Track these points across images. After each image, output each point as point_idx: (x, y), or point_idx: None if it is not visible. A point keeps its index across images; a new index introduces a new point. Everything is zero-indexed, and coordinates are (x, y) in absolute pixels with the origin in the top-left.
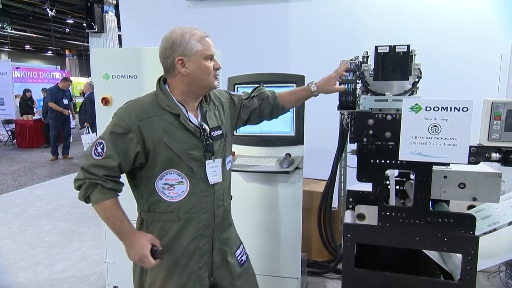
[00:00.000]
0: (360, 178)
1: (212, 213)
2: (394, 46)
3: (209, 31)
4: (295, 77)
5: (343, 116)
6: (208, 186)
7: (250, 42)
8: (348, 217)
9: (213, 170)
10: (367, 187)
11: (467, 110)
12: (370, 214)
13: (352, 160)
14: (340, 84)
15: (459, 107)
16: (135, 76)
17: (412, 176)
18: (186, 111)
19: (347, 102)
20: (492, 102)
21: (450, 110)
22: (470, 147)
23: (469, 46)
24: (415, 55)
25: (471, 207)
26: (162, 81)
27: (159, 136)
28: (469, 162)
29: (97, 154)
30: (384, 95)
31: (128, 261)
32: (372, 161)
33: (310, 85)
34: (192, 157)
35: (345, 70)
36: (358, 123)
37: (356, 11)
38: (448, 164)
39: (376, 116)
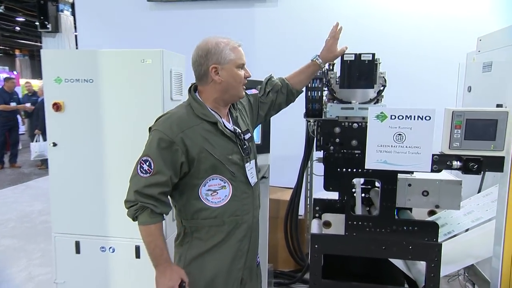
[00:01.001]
0: (327, 187)
1: (252, 214)
2: (360, 55)
3: (171, 35)
4: (259, 83)
5: (309, 123)
6: (248, 188)
7: None
8: (315, 226)
9: (251, 172)
10: (334, 195)
11: (429, 119)
12: (336, 222)
13: (318, 168)
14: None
15: (422, 116)
16: (91, 80)
17: (377, 184)
18: (220, 117)
19: (313, 110)
20: (452, 111)
21: (414, 119)
22: (433, 155)
23: (431, 56)
24: (379, 63)
25: (431, 213)
26: (192, 90)
27: (201, 145)
28: (432, 170)
29: (144, 172)
30: (350, 103)
31: (80, 282)
32: (339, 169)
33: (315, 60)
34: (232, 161)
35: (335, 34)
36: (325, 131)
37: (322, 17)
38: (412, 172)
39: (343, 124)
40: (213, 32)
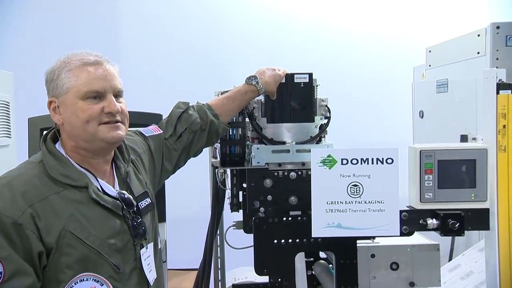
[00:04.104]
0: (260, 269)
1: None
2: (292, 75)
3: None
4: (147, 116)
5: (217, 170)
6: None
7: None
8: None
9: (148, 263)
10: (255, 275)
11: (392, 162)
12: None
13: (234, 236)
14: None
15: (383, 158)
16: None
17: (322, 255)
18: (96, 178)
19: (232, 155)
20: (420, 151)
21: (372, 163)
22: (401, 212)
23: (377, 74)
24: (317, 85)
25: None
26: (49, 138)
27: (63, 225)
28: (402, 234)
29: None
30: (284, 143)
31: None
32: (275, 242)
33: (253, 84)
34: (115, 248)
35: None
36: (251, 186)
37: (218, 14)
38: (373, 238)
39: (276, 174)
40: (54, 35)
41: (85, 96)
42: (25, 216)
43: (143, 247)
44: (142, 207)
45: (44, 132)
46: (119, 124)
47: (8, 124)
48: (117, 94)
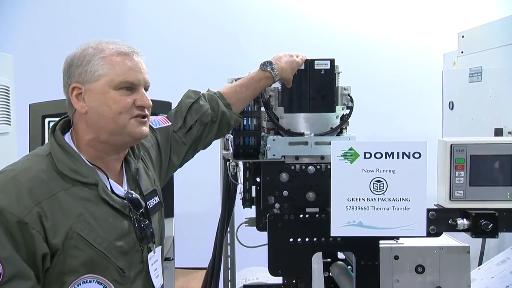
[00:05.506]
0: (274, 270)
1: None
2: (312, 61)
3: None
4: (155, 104)
5: (228, 163)
6: None
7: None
8: None
9: (155, 268)
10: (267, 275)
11: (419, 156)
12: None
13: (246, 234)
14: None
15: (409, 153)
16: None
17: (340, 255)
18: (107, 177)
19: (246, 147)
20: (451, 145)
21: (398, 157)
22: (428, 210)
23: (403, 61)
24: (338, 73)
25: None
26: (58, 129)
27: (70, 225)
28: (429, 234)
29: None
30: (303, 134)
31: None
32: (291, 240)
33: (268, 70)
34: (122, 250)
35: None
36: (266, 180)
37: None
38: (397, 238)
39: (292, 167)
40: (58, 18)
41: (118, 86)
42: (31, 215)
43: (150, 251)
44: (151, 206)
45: (48, 121)
46: (146, 120)
47: (8, 110)
48: (146, 88)
